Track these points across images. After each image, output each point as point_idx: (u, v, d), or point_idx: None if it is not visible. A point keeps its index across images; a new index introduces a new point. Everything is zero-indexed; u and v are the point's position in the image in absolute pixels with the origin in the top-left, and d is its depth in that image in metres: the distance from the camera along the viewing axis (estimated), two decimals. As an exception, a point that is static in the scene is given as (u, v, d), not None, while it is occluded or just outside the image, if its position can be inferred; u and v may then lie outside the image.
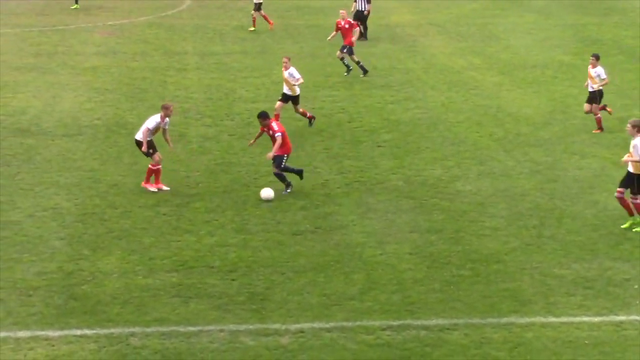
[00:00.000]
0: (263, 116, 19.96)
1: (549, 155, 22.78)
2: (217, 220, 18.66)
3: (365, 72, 30.33)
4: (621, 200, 17.98)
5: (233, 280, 16.07)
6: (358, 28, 31.26)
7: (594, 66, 24.35)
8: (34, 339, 14.07)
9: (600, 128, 24.48)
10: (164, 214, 18.96)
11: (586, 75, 24.83)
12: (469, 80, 30.30)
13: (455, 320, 14.59)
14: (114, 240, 17.68)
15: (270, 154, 19.82)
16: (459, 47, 35.43)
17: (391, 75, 31.00)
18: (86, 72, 31.17)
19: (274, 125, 19.87)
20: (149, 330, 14.34)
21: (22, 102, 27.42)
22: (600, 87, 24.36)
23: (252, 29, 37.90)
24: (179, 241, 17.67)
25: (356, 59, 30.45)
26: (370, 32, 37.17)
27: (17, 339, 14.05)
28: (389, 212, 19.10)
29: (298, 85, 24.38)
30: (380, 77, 30.74)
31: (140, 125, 25.10)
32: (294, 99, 24.65)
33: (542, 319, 14.66)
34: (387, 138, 24.22)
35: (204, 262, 16.72)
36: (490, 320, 14.63)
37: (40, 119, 25.84)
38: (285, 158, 19.95)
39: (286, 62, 24.37)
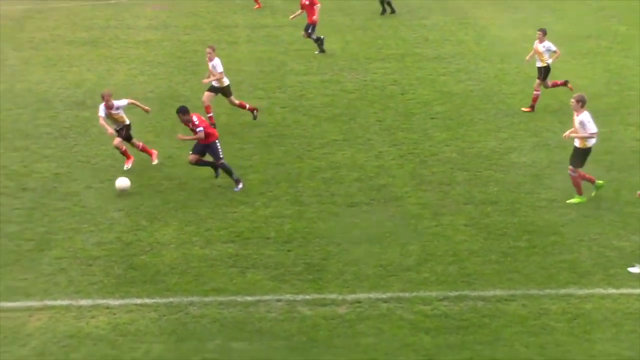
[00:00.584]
0: (183, 111, 18.56)
1: (605, 126, 22.43)
2: (271, 192, 18.74)
3: (322, 51, 29.44)
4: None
5: (289, 251, 16.15)
6: (319, 5, 29.99)
7: (541, 41, 23.35)
8: (96, 307, 14.31)
9: (532, 107, 23.41)
10: (219, 186, 19.08)
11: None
12: (522, 52, 29.91)
13: (512, 292, 14.54)
14: (171, 212, 17.85)
15: (181, 136, 18.96)
16: (512, 19, 35.00)
17: (443, 47, 30.76)
18: (138, 46, 31.37)
19: (195, 119, 18.61)
20: (207, 299, 14.49)
21: (77, 76, 27.70)
22: (549, 62, 23.28)
23: (257, 7, 37.47)
24: (234, 212, 17.79)
25: (315, 37, 29.54)
26: (420, 4, 36.87)
27: (80, 307, 14.31)
28: (443, 183, 19.03)
29: (219, 78, 22.12)
30: (432, 49, 30.52)
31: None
32: (224, 91, 22.50)
33: (602, 291, 14.54)
34: (440, 110, 24.08)
35: (259, 234, 16.83)
36: (548, 291, 14.56)
37: (94, 92, 26.06)
38: (216, 143, 18.78)
39: (210, 53, 22.10)
